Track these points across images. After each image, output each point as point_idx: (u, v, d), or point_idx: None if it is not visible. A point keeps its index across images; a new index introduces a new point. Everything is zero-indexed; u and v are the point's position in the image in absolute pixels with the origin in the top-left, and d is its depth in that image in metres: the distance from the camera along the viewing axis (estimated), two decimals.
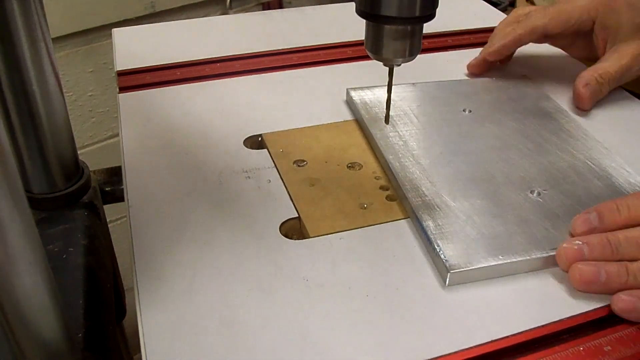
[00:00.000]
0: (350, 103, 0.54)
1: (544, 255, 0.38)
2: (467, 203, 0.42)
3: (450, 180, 0.44)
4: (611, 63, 0.54)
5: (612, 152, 0.47)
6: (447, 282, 0.37)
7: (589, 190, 0.43)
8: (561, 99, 0.55)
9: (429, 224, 0.40)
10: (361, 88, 0.54)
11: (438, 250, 0.38)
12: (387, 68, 0.41)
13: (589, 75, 0.54)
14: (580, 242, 0.38)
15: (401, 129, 0.49)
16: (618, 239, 0.38)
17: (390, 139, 0.48)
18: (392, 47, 0.38)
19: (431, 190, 0.43)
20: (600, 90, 0.54)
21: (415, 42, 0.39)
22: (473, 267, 0.37)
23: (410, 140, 0.48)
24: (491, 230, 0.40)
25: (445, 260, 0.37)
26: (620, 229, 0.39)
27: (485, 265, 0.37)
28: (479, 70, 0.60)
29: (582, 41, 0.58)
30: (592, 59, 0.57)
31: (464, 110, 0.52)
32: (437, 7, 0.37)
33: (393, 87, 0.42)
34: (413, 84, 0.55)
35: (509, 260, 0.37)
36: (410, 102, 0.53)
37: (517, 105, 0.54)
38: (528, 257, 0.38)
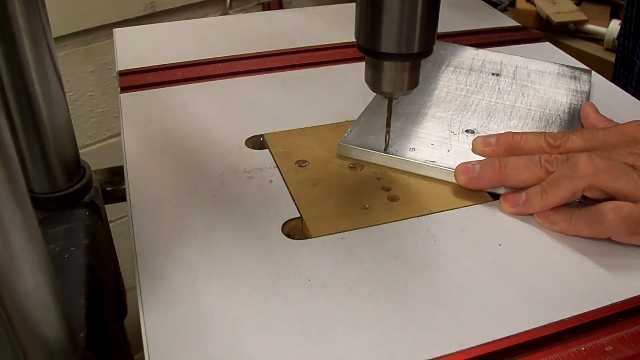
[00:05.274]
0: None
1: (434, 165, 0.45)
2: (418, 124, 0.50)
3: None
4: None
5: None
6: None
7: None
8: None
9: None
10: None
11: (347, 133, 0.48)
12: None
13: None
14: (475, 163, 0.43)
15: None
16: (508, 159, 0.43)
17: None
18: (390, 82, 0.40)
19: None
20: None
21: (414, 77, 0.41)
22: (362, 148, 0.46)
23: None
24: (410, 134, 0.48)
25: (345, 135, 0.47)
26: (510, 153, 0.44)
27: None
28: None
29: None
30: None
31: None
32: (434, 43, 0.39)
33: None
34: None
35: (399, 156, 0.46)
36: None
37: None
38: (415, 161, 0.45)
